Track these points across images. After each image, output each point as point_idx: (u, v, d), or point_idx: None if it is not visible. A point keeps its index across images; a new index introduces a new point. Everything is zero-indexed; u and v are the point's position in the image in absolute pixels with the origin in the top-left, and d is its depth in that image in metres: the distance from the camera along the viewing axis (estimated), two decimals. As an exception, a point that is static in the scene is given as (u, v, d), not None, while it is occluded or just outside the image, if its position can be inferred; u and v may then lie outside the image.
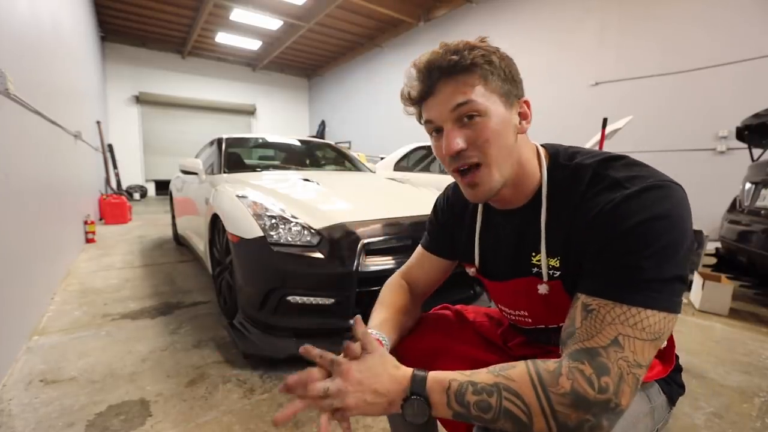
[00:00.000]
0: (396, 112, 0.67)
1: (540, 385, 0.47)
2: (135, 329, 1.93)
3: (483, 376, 0.51)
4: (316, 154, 3.51)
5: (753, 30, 3.89)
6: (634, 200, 0.51)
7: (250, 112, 11.71)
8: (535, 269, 0.64)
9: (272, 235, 1.58)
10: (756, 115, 2.68)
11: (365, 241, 1.61)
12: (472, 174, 0.60)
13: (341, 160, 3.42)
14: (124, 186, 8.50)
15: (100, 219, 5.34)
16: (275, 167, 3.12)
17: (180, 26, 8.62)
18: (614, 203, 0.52)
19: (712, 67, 4.18)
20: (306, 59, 10.91)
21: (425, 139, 3.24)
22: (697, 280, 2.47)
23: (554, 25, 5.70)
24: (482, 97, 0.56)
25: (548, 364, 0.49)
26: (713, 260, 2.82)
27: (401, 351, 0.79)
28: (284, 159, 3.45)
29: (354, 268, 1.54)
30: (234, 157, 2.94)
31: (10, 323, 1.59)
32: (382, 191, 2.41)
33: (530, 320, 0.72)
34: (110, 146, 7.31)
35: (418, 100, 0.61)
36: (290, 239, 1.58)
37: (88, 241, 3.98)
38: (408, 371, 0.54)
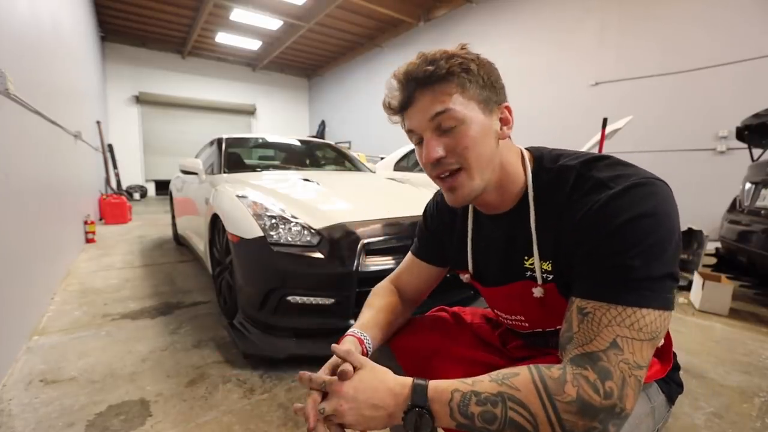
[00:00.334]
0: (388, 121, 0.67)
1: (545, 394, 0.47)
2: (135, 329, 1.93)
3: (486, 385, 0.50)
4: (316, 154, 3.51)
5: (753, 30, 3.89)
6: (619, 199, 0.51)
7: (250, 112, 11.71)
8: (528, 273, 0.64)
9: (272, 235, 1.58)
10: (756, 115, 2.68)
11: (365, 241, 1.61)
12: (452, 178, 0.60)
13: (341, 160, 3.42)
14: (124, 186, 8.50)
15: (100, 219, 5.34)
16: (275, 167, 3.12)
17: (180, 26, 8.62)
18: (600, 204, 0.52)
19: (712, 67, 4.18)
20: (306, 59, 10.91)
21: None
22: (697, 280, 2.47)
23: (554, 25, 5.69)
24: (460, 105, 0.57)
25: (552, 371, 0.49)
26: (713, 260, 2.82)
27: (398, 352, 0.79)
28: (284, 159, 3.45)
29: (354, 268, 1.55)
30: (234, 157, 2.94)
31: (10, 323, 1.59)
32: (382, 191, 2.41)
33: (527, 324, 0.72)
34: (110, 146, 7.31)
35: (399, 110, 0.62)
36: (290, 239, 1.58)
37: (88, 241, 3.98)
38: (407, 381, 0.53)
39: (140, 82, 9.71)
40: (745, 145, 3.00)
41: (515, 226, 0.65)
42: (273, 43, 9.45)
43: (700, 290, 2.36)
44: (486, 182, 0.61)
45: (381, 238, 1.67)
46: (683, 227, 2.81)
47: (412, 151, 4.54)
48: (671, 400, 0.68)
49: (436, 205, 0.83)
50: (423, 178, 3.99)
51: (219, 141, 3.00)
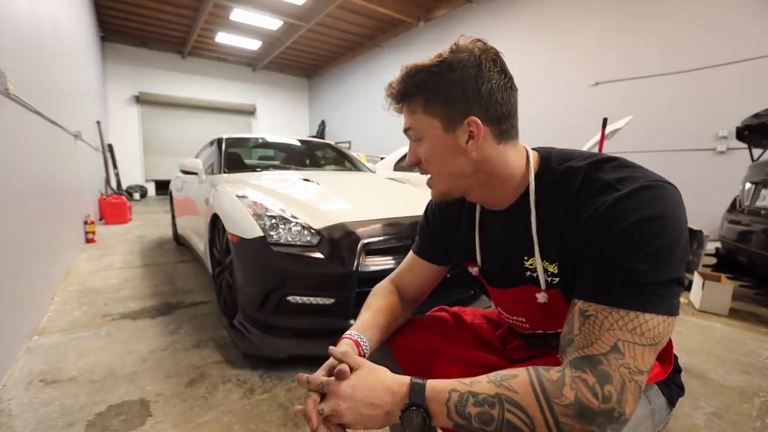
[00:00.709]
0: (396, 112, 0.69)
1: (543, 396, 0.46)
2: (135, 329, 1.93)
3: (484, 386, 0.50)
4: (316, 154, 3.51)
5: (753, 30, 3.89)
6: (626, 202, 0.50)
7: (250, 112, 11.71)
8: (528, 273, 0.64)
9: (272, 235, 1.58)
10: (756, 115, 2.68)
11: (365, 241, 1.61)
12: (428, 179, 0.67)
13: (341, 160, 3.42)
14: (124, 186, 8.50)
15: (100, 219, 5.34)
16: (275, 167, 3.12)
17: (180, 26, 8.62)
18: (606, 205, 0.51)
19: (712, 67, 4.18)
20: (306, 59, 10.91)
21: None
22: (697, 280, 2.47)
23: (554, 25, 5.69)
24: (420, 122, 0.62)
25: (551, 374, 0.48)
26: (713, 260, 2.82)
27: (397, 353, 0.78)
28: (284, 159, 3.45)
29: (354, 268, 1.55)
30: (234, 157, 2.94)
31: (10, 323, 1.59)
32: (382, 191, 2.41)
33: (527, 326, 0.72)
34: (110, 146, 7.31)
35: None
36: (290, 239, 1.58)
37: (88, 241, 3.98)
38: (405, 380, 0.53)
39: (140, 82, 9.71)
40: (745, 145, 3.00)
41: (513, 224, 0.65)
42: (273, 43, 9.45)
43: (700, 290, 2.36)
44: (450, 188, 0.65)
45: (381, 238, 1.67)
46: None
47: (410, 153, 4.53)
48: (671, 402, 0.68)
49: (438, 205, 0.83)
50: (423, 178, 3.99)
51: (219, 141, 3.00)
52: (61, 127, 2.92)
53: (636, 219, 0.49)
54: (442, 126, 0.60)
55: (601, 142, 3.31)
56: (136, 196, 9.41)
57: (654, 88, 4.65)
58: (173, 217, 4.01)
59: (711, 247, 3.03)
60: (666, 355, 0.69)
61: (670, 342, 0.69)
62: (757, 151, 2.98)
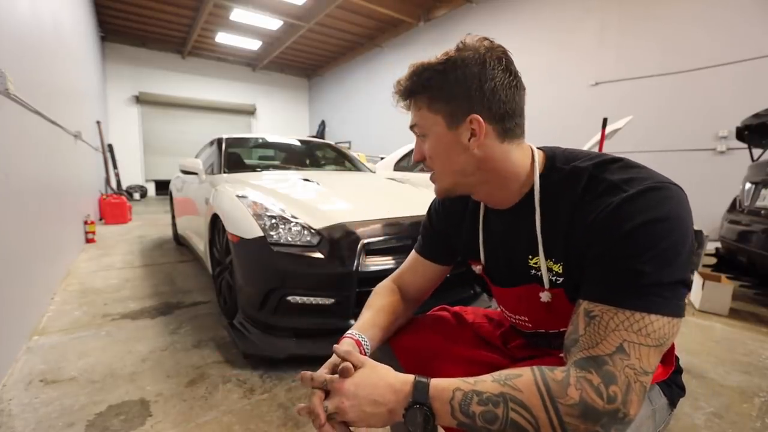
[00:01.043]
0: (396, 112, 0.69)
1: (548, 396, 0.46)
2: (135, 329, 1.93)
3: (488, 385, 0.50)
4: (316, 154, 3.51)
5: (753, 30, 3.89)
6: (632, 203, 0.50)
7: (250, 112, 11.71)
8: (533, 271, 0.64)
9: (272, 235, 1.58)
10: (756, 115, 2.68)
11: (365, 241, 1.61)
12: (432, 175, 0.68)
13: (341, 160, 3.42)
14: (124, 186, 8.49)
15: (100, 219, 5.34)
16: (275, 167, 3.12)
17: (180, 26, 8.62)
18: (613, 206, 0.51)
19: (712, 67, 4.18)
20: (306, 59, 10.91)
21: (425, 139, 3.24)
22: (697, 280, 2.47)
23: (554, 25, 5.70)
24: (425, 119, 0.62)
25: (555, 374, 0.48)
26: (713, 260, 2.82)
27: (399, 352, 0.78)
28: (284, 159, 3.45)
29: (354, 268, 1.55)
30: (234, 157, 2.94)
31: (10, 323, 1.59)
32: (382, 191, 2.41)
33: (530, 325, 0.72)
34: (110, 146, 7.31)
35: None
36: (290, 239, 1.58)
37: (88, 241, 3.98)
38: (409, 378, 0.53)
39: (140, 82, 9.71)
40: (745, 145, 3.00)
41: (518, 223, 0.65)
42: (273, 43, 9.45)
43: (700, 290, 2.36)
44: (455, 185, 0.65)
45: (381, 238, 1.67)
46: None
47: (413, 151, 4.54)
48: (673, 403, 0.68)
49: (442, 204, 0.82)
50: (423, 178, 4.00)
51: (219, 141, 3.00)
52: (61, 127, 2.92)
53: (642, 220, 0.49)
54: (445, 123, 0.60)
55: (601, 142, 3.31)
56: (136, 196, 9.41)
57: (654, 88, 4.65)
58: (173, 217, 4.01)
59: (711, 247, 3.02)
60: (668, 356, 0.69)
61: (672, 343, 0.69)
62: (757, 151, 2.98)
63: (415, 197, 2.21)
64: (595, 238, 0.53)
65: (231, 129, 11.10)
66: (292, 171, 2.81)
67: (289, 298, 1.54)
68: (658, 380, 0.66)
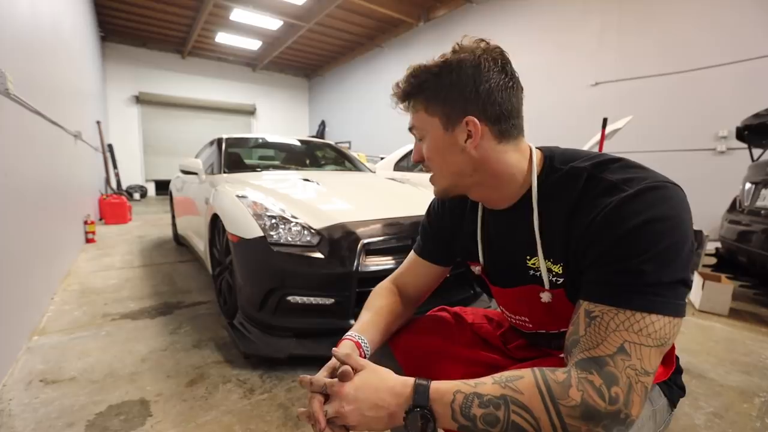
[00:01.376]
0: (396, 112, 0.69)
1: (549, 398, 0.46)
2: (135, 329, 1.93)
3: (489, 387, 0.49)
4: (316, 154, 3.51)
5: (753, 30, 3.89)
6: (632, 202, 0.50)
7: (250, 112, 11.71)
8: (532, 272, 0.64)
9: (272, 235, 1.58)
10: (756, 115, 2.68)
11: (365, 241, 1.61)
12: (431, 176, 0.68)
13: (341, 160, 3.42)
14: (124, 186, 8.49)
15: (100, 219, 5.34)
16: (275, 167, 3.12)
17: (180, 26, 8.62)
18: (612, 206, 0.51)
19: (712, 67, 4.18)
20: (306, 59, 10.91)
21: (425, 139, 3.25)
22: (697, 280, 2.47)
23: (554, 26, 5.70)
24: (422, 122, 0.63)
25: (557, 375, 0.48)
26: (713, 260, 2.82)
27: (398, 352, 0.78)
28: (284, 159, 3.45)
29: (354, 268, 1.55)
30: (234, 157, 2.94)
31: (10, 323, 1.58)
32: (382, 191, 2.41)
33: (531, 325, 0.72)
34: (110, 146, 7.31)
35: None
36: (290, 239, 1.58)
37: (88, 241, 3.98)
38: (409, 381, 0.53)
39: (140, 82, 9.70)
40: (745, 145, 3.00)
41: (514, 224, 0.65)
42: (273, 43, 9.45)
43: (700, 290, 2.36)
44: (453, 186, 0.66)
45: (381, 238, 1.67)
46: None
47: (412, 152, 4.54)
48: (673, 403, 0.68)
49: (441, 204, 0.82)
50: (423, 178, 4.00)
51: (219, 141, 3.00)
52: (61, 127, 2.92)
53: (642, 220, 0.49)
54: (441, 125, 0.61)
55: (601, 142, 3.31)
56: (136, 196, 9.40)
57: (654, 88, 4.65)
58: (173, 217, 4.00)
59: (711, 247, 3.02)
60: (668, 356, 0.69)
61: (672, 343, 0.69)
62: (757, 151, 2.98)
63: (415, 197, 2.21)
64: (595, 237, 0.52)
65: (231, 129, 11.10)
66: (292, 171, 2.81)
67: (289, 298, 1.54)
68: (658, 381, 0.66)
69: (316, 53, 10.37)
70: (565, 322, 0.56)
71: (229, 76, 11.18)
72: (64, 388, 1.40)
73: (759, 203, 2.40)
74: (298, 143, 3.57)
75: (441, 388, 0.51)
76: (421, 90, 0.62)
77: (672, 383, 0.69)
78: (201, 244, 2.52)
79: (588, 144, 3.65)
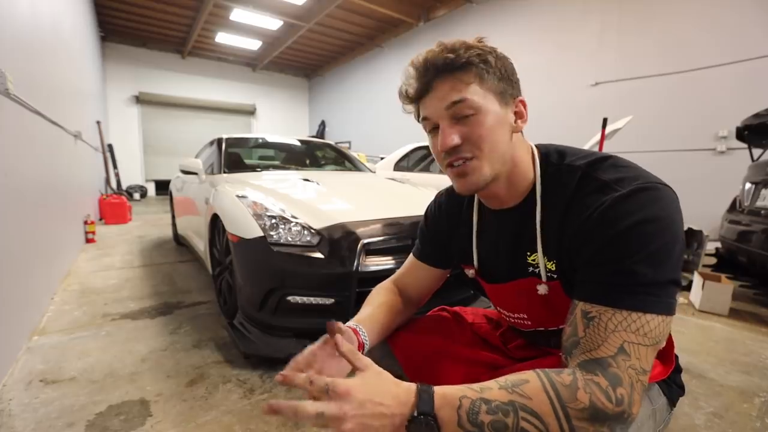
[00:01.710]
0: (396, 112, 0.68)
1: (558, 402, 0.46)
2: (135, 329, 1.93)
3: (495, 393, 0.47)
4: (316, 154, 3.51)
5: (753, 30, 3.89)
6: (624, 203, 0.51)
7: (250, 112, 11.70)
8: (531, 268, 0.64)
9: (272, 235, 1.58)
10: (756, 115, 2.68)
11: (365, 241, 1.61)
12: (463, 165, 0.60)
13: (341, 160, 3.42)
14: (124, 186, 8.49)
15: (100, 219, 5.33)
16: (275, 167, 3.12)
17: (180, 26, 8.62)
18: (605, 206, 0.52)
19: (712, 67, 4.18)
20: (306, 59, 10.91)
21: (425, 139, 3.24)
22: (697, 280, 2.47)
23: (554, 25, 5.70)
24: (477, 95, 0.57)
25: (563, 377, 0.47)
26: (713, 260, 2.82)
27: (398, 352, 0.78)
28: (284, 159, 3.45)
29: (354, 268, 1.54)
30: (234, 157, 2.94)
31: (10, 323, 1.58)
32: (382, 191, 2.41)
33: (529, 323, 0.72)
34: (110, 146, 7.30)
35: (415, 98, 0.62)
36: (290, 239, 1.58)
37: (88, 241, 3.98)
38: (411, 388, 0.49)
39: (140, 82, 9.70)
40: (745, 145, 3.00)
41: (521, 223, 0.65)
42: (273, 43, 9.44)
43: (700, 290, 2.36)
44: (496, 173, 0.61)
45: (381, 238, 1.67)
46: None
47: (412, 151, 4.54)
48: (672, 402, 0.68)
49: (438, 207, 0.82)
50: (423, 178, 4.00)
51: (219, 141, 3.00)
52: (61, 127, 2.92)
53: (634, 221, 0.50)
54: (497, 101, 0.59)
55: (601, 142, 3.31)
56: (136, 196, 9.40)
57: (654, 88, 4.65)
58: (173, 217, 4.00)
59: (711, 247, 3.02)
60: (667, 355, 0.69)
61: (671, 342, 0.70)
62: (757, 151, 2.98)
63: (415, 197, 2.21)
64: (588, 237, 0.53)
65: (231, 129, 11.10)
66: (292, 171, 2.81)
67: (289, 298, 1.54)
68: (658, 379, 0.66)
69: (316, 53, 10.37)
70: (562, 317, 0.57)
71: (229, 76, 11.18)
72: (64, 388, 1.40)
73: (759, 203, 2.40)
74: (298, 143, 3.57)
75: (446, 394, 0.48)
76: (481, 61, 0.57)
77: (671, 382, 0.69)
78: (201, 244, 2.52)
79: (588, 144, 3.65)
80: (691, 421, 1.29)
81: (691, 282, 2.57)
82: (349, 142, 10.58)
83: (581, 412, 0.45)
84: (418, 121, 0.65)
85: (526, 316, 0.71)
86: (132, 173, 9.66)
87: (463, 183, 0.62)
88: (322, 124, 12.14)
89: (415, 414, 0.47)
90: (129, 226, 5.14)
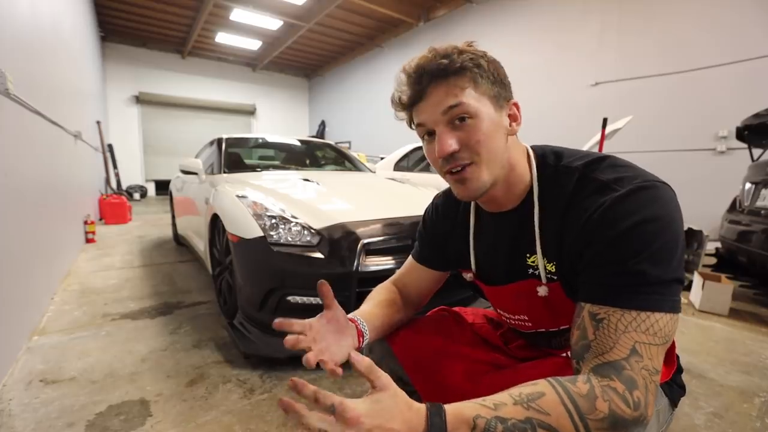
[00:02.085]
0: (395, 117, 0.67)
1: (577, 415, 0.44)
2: (135, 329, 1.93)
3: (511, 409, 0.44)
4: (316, 154, 3.51)
5: (753, 30, 3.89)
6: (624, 203, 0.51)
7: (250, 112, 11.71)
8: (531, 270, 0.64)
9: (272, 235, 1.58)
10: (756, 115, 2.68)
11: (365, 241, 1.61)
12: (462, 171, 0.60)
13: (341, 160, 3.42)
14: (124, 186, 8.49)
15: (100, 219, 5.33)
16: (275, 167, 3.12)
17: (180, 26, 8.62)
18: (604, 207, 0.52)
19: (712, 67, 4.18)
20: (306, 59, 10.91)
21: (425, 139, 3.24)
22: (697, 280, 2.47)
23: (554, 25, 5.69)
24: (473, 99, 0.57)
25: (578, 386, 0.46)
26: (713, 260, 2.82)
27: (399, 352, 0.78)
28: (284, 159, 3.45)
29: (354, 268, 1.54)
30: (234, 157, 2.94)
31: (10, 323, 1.58)
32: (382, 191, 2.41)
33: (530, 324, 0.72)
34: (110, 146, 7.30)
35: (408, 105, 0.61)
36: (290, 239, 1.58)
37: (88, 241, 3.98)
38: (421, 409, 0.45)
39: (140, 82, 9.70)
40: (745, 145, 3.00)
41: (519, 225, 0.65)
42: (273, 43, 9.44)
43: (700, 290, 2.36)
44: (495, 177, 0.61)
45: (381, 238, 1.67)
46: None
47: (412, 151, 4.54)
48: (674, 403, 0.68)
49: (435, 209, 0.82)
50: (423, 178, 4.00)
51: (219, 141, 3.00)
52: (61, 127, 2.91)
53: (635, 221, 0.50)
54: (491, 105, 0.59)
55: (601, 142, 3.31)
56: (136, 196, 9.40)
57: (654, 88, 4.64)
58: (173, 217, 4.00)
59: (711, 247, 3.02)
60: (669, 356, 0.69)
61: (673, 342, 0.69)
62: (757, 151, 2.98)
63: (415, 197, 2.21)
64: (591, 238, 0.53)
65: (231, 129, 11.10)
66: (292, 171, 2.81)
67: (289, 298, 1.54)
68: (661, 381, 0.66)
69: (316, 53, 10.37)
70: (563, 319, 0.56)
71: (229, 76, 11.18)
72: (64, 388, 1.40)
73: (759, 203, 2.40)
74: (298, 143, 3.57)
75: (459, 413, 0.44)
76: (474, 65, 0.57)
77: (672, 383, 0.69)
78: (201, 244, 2.52)
79: (588, 144, 3.65)
80: (691, 421, 1.29)
81: (691, 282, 2.57)
82: (349, 142, 10.58)
83: (601, 422, 0.44)
84: (412, 128, 0.64)
85: (526, 318, 0.71)
86: (132, 173, 9.66)
87: (464, 190, 0.61)
88: (322, 124, 12.14)
89: None
90: (129, 226, 5.14)
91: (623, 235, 0.50)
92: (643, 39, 4.73)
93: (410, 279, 0.84)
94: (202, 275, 2.88)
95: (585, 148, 3.52)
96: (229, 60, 10.90)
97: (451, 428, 0.43)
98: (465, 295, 1.88)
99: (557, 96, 5.60)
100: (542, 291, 0.63)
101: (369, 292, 0.84)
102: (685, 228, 2.95)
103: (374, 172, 3.32)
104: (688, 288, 2.60)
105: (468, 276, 0.77)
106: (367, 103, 9.95)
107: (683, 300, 2.51)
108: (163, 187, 9.86)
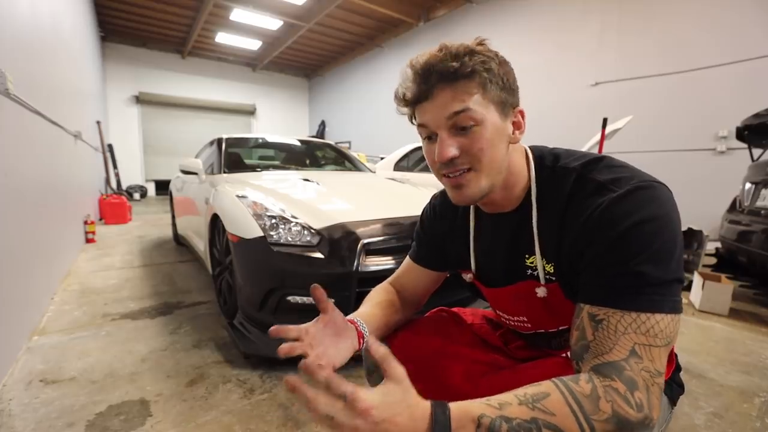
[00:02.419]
0: (396, 112, 0.67)
1: (582, 416, 0.44)
2: (135, 329, 1.93)
3: (516, 409, 0.44)
4: (316, 154, 3.51)
5: (753, 30, 3.89)
6: (621, 204, 0.51)
7: (250, 112, 11.71)
8: (530, 271, 0.64)
9: (272, 235, 1.58)
10: (756, 115, 2.67)
11: (365, 241, 1.61)
12: (460, 176, 0.59)
13: (341, 160, 3.42)
14: (124, 186, 8.49)
15: (100, 219, 5.33)
16: (275, 167, 3.12)
17: (180, 26, 8.62)
18: (602, 208, 0.52)
19: (712, 67, 4.18)
20: (306, 59, 10.91)
21: (425, 139, 3.23)
22: (697, 280, 2.47)
23: (554, 26, 5.69)
24: (479, 105, 0.55)
25: (581, 386, 0.46)
26: (713, 260, 2.82)
27: (398, 352, 0.78)
28: (284, 159, 3.45)
29: (354, 268, 1.54)
30: (234, 157, 2.94)
31: (10, 323, 1.58)
32: (382, 191, 2.41)
33: (529, 325, 0.72)
34: (110, 146, 7.30)
35: (412, 102, 0.60)
36: (290, 239, 1.58)
37: (88, 241, 3.98)
38: (426, 407, 0.44)
39: (140, 82, 9.70)
40: (745, 145, 3.00)
41: (518, 226, 0.65)
42: (273, 43, 9.44)
43: (700, 290, 2.36)
44: (493, 184, 0.60)
45: (381, 238, 1.67)
46: (683, 227, 2.81)
47: (412, 151, 4.54)
48: (673, 401, 0.69)
49: (432, 209, 0.82)
50: (423, 178, 4.00)
51: (219, 141, 3.00)
52: (61, 127, 2.92)
53: (633, 221, 0.49)
54: (497, 112, 0.57)
55: (601, 142, 3.31)
56: (136, 196, 9.40)
57: (654, 88, 4.64)
58: (173, 217, 4.00)
59: (711, 247, 3.02)
60: (669, 354, 0.69)
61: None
62: (757, 151, 2.98)
63: (415, 197, 2.21)
64: (589, 239, 0.53)
65: (231, 129, 11.10)
66: (292, 171, 2.81)
67: (289, 298, 1.54)
68: None
69: (316, 53, 10.37)
70: (562, 319, 0.56)
71: (229, 76, 11.18)
72: (64, 388, 1.40)
73: (759, 203, 2.40)
74: (298, 143, 3.57)
75: (464, 412, 0.44)
76: (486, 69, 0.55)
77: (672, 381, 0.69)
78: (201, 244, 2.52)
79: (588, 144, 3.65)
80: (691, 421, 1.29)
81: (691, 282, 2.57)
82: (349, 142, 10.58)
83: (605, 423, 0.44)
84: (413, 123, 0.63)
85: (525, 319, 0.71)
86: (132, 173, 9.66)
87: (459, 195, 0.61)
88: (322, 124, 12.14)
89: None
90: (129, 226, 5.14)
91: (622, 236, 0.50)
92: (643, 39, 4.73)
93: (408, 279, 0.84)
94: (202, 275, 2.88)
95: (585, 148, 3.52)
96: (229, 60, 10.90)
97: (456, 426, 0.43)
98: (464, 296, 1.88)
99: (557, 96, 5.60)
100: (541, 292, 0.63)
101: (369, 292, 0.84)
102: (685, 228, 2.96)
103: (374, 172, 3.32)
104: (688, 288, 2.60)
105: (467, 277, 0.77)
106: (367, 103, 9.94)
107: (683, 300, 2.51)
108: (163, 187, 9.86)
